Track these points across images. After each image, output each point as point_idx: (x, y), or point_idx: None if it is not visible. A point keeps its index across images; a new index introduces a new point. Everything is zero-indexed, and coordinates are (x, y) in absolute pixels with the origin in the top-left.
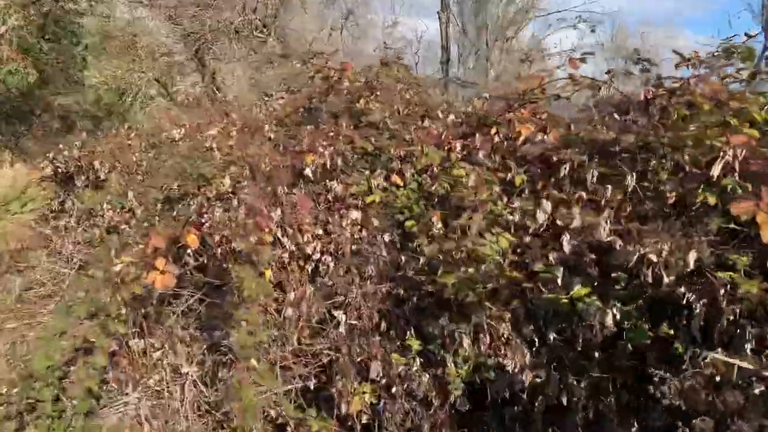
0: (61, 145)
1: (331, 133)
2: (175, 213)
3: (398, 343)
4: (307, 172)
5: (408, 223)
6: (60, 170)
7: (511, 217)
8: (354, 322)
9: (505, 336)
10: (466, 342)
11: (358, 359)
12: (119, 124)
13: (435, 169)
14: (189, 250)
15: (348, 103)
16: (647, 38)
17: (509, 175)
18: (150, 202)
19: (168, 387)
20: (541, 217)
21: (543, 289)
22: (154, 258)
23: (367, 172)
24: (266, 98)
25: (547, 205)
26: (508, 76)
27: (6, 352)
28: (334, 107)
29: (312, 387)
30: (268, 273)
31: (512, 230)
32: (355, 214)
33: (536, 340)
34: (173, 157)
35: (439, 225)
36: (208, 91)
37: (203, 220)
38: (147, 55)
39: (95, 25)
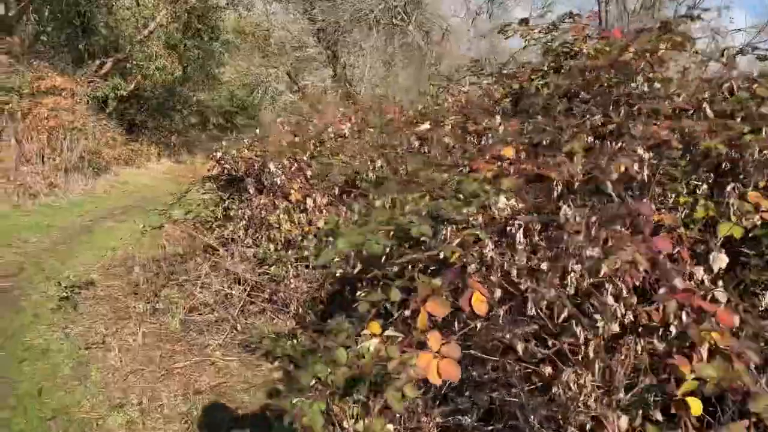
0: (224, 143)
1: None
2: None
3: None
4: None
5: None
6: (227, 171)
7: None
8: None
9: None
10: None
11: None
12: (250, 119)
13: None
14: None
15: (608, 84)
16: None
17: None
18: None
19: None
20: None
21: None
22: (422, 330)
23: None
24: (445, 85)
25: None
26: None
27: (180, 410)
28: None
29: None
30: None
31: None
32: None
33: None
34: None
35: None
36: (340, 84)
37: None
38: (279, 50)
39: (232, 21)
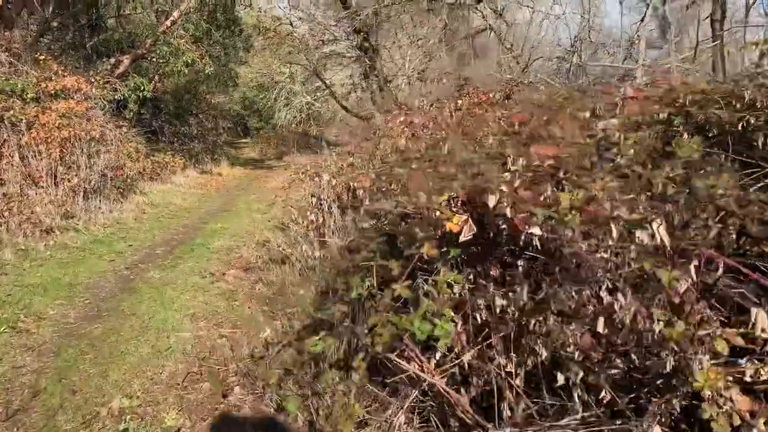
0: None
1: None
2: None
3: None
4: None
5: None
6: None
7: None
8: None
9: None
10: None
11: None
12: (263, 122)
13: None
14: None
15: None
16: None
17: None
18: None
19: None
20: None
21: None
22: None
23: None
24: None
25: None
26: None
27: None
28: None
29: None
30: None
31: None
32: None
33: None
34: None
35: None
36: (375, 82)
37: None
38: (302, 46)
39: (249, 16)
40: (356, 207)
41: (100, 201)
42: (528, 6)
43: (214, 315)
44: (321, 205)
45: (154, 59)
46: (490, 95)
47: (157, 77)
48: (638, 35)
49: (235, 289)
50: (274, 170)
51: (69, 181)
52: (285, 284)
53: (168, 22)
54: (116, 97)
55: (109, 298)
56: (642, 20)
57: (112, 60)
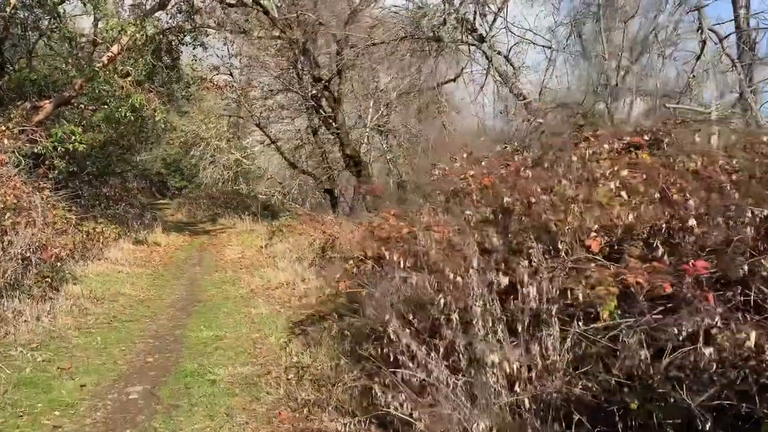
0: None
1: None
2: None
3: None
4: None
5: None
6: None
7: None
8: None
9: None
10: None
11: None
12: (185, 181)
13: None
14: None
15: None
16: None
17: None
18: None
19: None
20: None
21: None
22: None
23: None
24: None
25: None
26: None
27: None
28: None
29: None
30: None
31: None
32: None
33: None
34: None
35: None
36: (336, 135)
37: None
38: (243, 98)
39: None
40: None
41: (20, 301)
42: (546, 46)
43: None
44: None
45: (83, 104)
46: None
47: (100, 122)
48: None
49: None
50: (218, 237)
51: None
52: None
53: (105, 58)
54: (35, 150)
55: None
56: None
57: (28, 105)
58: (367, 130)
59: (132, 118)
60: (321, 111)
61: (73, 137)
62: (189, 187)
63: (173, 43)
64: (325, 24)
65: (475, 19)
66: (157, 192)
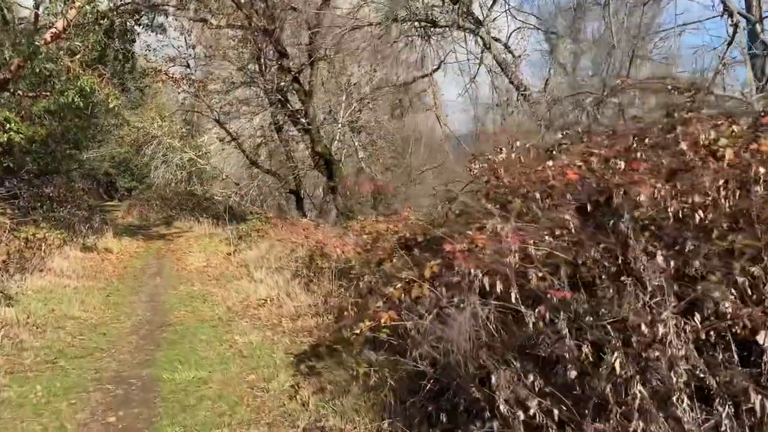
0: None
1: None
2: None
3: None
4: None
5: None
6: None
7: None
8: None
9: None
10: None
11: None
12: (135, 182)
13: None
14: None
15: None
16: None
17: None
18: None
19: None
20: None
21: None
22: None
23: None
24: None
25: None
26: None
27: None
28: None
29: None
30: None
31: None
32: None
33: None
34: None
35: None
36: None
37: None
38: (200, 91)
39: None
40: None
41: None
42: (551, 32)
43: None
44: None
45: (21, 90)
46: None
47: (42, 108)
48: None
49: None
50: (174, 241)
51: None
52: None
53: (48, 35)
54: None
55: None
56: None
57: None
58: (339, 126)
59: (81, 104)
60: (288, 105)
61: (8, 125)
62: (139, 188)
63: (128, 23)
64: (297, 8)
65: (471, 1)
66: (104, 193)
